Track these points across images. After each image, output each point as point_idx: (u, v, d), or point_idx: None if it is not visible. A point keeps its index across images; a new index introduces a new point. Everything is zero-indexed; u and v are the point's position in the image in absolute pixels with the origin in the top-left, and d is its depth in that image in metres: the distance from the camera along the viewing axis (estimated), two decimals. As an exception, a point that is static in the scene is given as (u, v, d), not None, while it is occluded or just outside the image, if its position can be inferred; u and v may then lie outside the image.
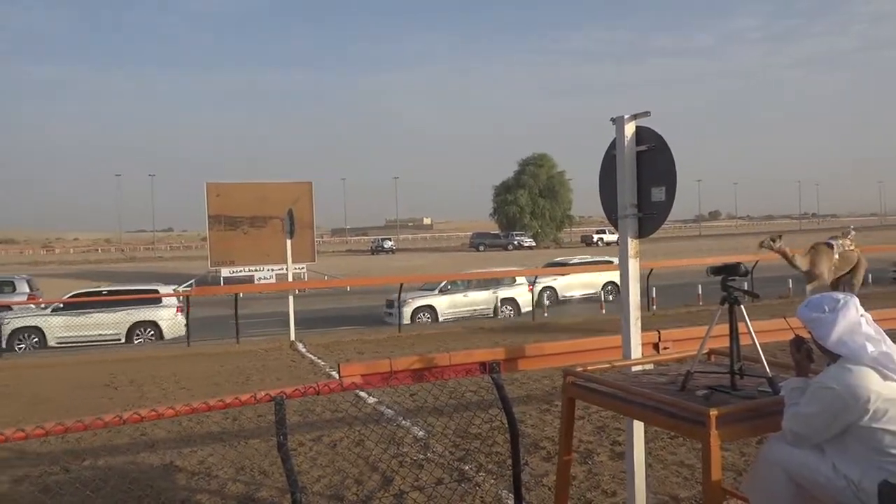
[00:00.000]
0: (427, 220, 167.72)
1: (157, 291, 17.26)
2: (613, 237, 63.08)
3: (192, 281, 32.72)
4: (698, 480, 4.75)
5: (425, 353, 5.77)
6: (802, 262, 9.85)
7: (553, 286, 21.81)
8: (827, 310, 2.75)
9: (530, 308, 19.29)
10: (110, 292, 16.95)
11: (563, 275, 21.44)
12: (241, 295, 16.95)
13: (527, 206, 66.73)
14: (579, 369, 3.68)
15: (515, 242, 63.20)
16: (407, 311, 18.37)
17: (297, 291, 18.12)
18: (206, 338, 15.58)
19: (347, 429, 6.51)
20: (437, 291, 19.08)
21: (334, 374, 9.49)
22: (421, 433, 6.27)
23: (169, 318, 16.82)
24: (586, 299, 21.99)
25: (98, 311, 16.05)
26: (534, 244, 64.13)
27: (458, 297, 18.73)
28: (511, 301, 19.27)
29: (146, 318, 16.59)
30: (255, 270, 31.38)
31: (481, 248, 64.38)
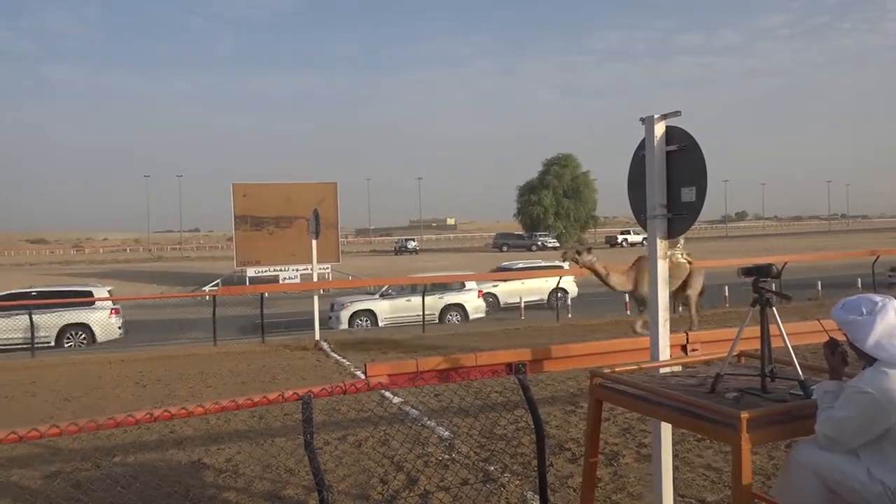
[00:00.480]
0: (451, 221, 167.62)
1: (90, 294, 16.31)
2: (638, 238, 62.64)
3: (218, 281, 33.11)
4: (726, 484, 4.70)
5: (451, 354, 5.78)
6: (620, 282, 8.30)
7: (494, 292, 20.60)
8: (865, 312, 2.70)
9: (481, 315, 18.51)
10: (39, 294, 16.17)
11: (504, 280, 20.39)
12: (267, 295, 17.10)
13: (551, 206, 66.41)
14: (607, 371, 3.66)
15: (539, 243, 62.94)
16: (344, 315, 17.82)
17: (321, 291, 18.26)
18: (232, 337, 15.76)
19: (373, 428, 6.53)
20: (377, 295, 18.53)
21: (359, 373, 9.54)
22: (446, 433, 6.27)
23: (101, 320, 16.20)
24: (533, 306, 20.63)
25: (26, 313, 14.78)
26: (558, 245, 63.83)
27: (401, 302, 17.96)
28: (458, 307, 18.60)
29: (77, 321, 15.97)
30: (281, 270, 31.64)
31: (504, 248, 64.19)
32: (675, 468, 4.67)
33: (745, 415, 2.66)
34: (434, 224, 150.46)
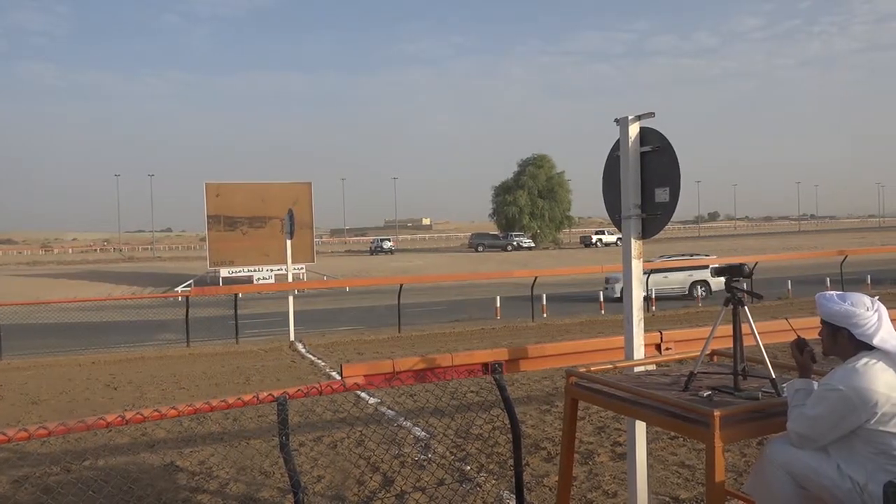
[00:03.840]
0: (426, 221, 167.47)
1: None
2: (612, 238, 63.18)
3: (190, 281, 32.71)
4: (699, 481, 4.75)
5: (427, 354, 5.77)
6: None
7: None
8: (869, 307, 2.73)
9: None
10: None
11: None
12: (241, 295, 16.92)
13: (526, 206, 66.70)
14: (582, 370, 3.68)
15: (514, 243, 63.21)
16: None
17: (296, 292, 18.13)
18: (205, 338, 15.58)
19: (348, 429, 6.50)
20: None
21: (334, 374, 9.49)
22: (422, 434, 6.26)
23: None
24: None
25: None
26: (533, 245, 64.17)
27: None
28: None
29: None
30: (255, 271, 31.34)
31: (480, 248, 64.37)
32: (650, 466, 4.72)
33: (717, 413, 2.69)
34: (409, 224, 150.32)
